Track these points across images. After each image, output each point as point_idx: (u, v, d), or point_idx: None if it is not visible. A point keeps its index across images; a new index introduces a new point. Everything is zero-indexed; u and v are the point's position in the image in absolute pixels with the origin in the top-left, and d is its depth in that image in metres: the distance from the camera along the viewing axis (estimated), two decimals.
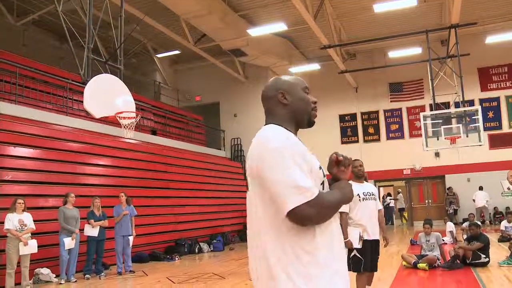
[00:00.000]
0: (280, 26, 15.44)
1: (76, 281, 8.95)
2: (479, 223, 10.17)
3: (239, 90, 20.87)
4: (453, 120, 15.20)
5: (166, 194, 14.32)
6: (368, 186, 5.47)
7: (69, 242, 8.88)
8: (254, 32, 15.83)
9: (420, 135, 15.71)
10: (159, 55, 20.42)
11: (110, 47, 16.04)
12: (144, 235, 12.16)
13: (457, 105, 15.99)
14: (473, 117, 14.61)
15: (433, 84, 15.51)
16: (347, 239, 5.15)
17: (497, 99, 19.62)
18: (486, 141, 17.43)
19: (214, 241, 14.68)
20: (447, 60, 16.38)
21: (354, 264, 5.21)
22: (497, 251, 9.87)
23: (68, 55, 11.12)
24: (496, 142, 19.10)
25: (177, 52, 19.63)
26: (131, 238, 10.07)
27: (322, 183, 1.77)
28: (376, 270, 5.49)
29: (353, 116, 21.64)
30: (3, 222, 8.05)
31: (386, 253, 10.32)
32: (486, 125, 18.05)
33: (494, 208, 18.49)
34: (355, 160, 5.42)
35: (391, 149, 20.61)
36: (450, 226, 12.41)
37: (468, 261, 8.49)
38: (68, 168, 11.11)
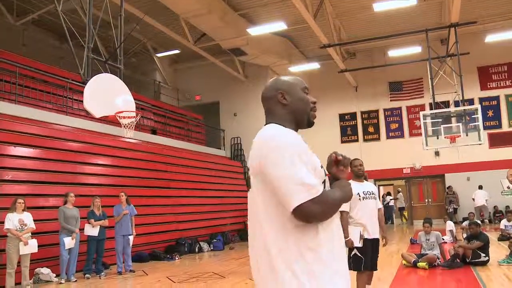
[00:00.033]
0: (279, 25, 15.44)
1: (76, 280, 8.95)
2: (479, 222, 10.19)
3: (239, 89, 20.87)
4: (453, 119, 15.22)
5: (166, 193, 14.33)
6: (368, 185, 5.48)
7: (69, 242, 8.89)
8: (254, 31, 15.83)
9: (420, 134, 15.73)
10: (159, 55, 20.42)
11: (110, 46, 16.05)
12: (144, 235, 12.16)
13: (457, 104, 16.00)
14: (472, 116, 14.62)
15: (433, 83, 15.51)
16: (348, 238, 5.16)
17: (497, 98, 19.62)
18: (485, 140, 17.44)
19: (214, 240, 14.69)
20: (447, 59, 16.39)
21: (354, 263, 5.22)
22: (497, 250, 9.88)
23: (68, 54, 11.12)
24: (496, 141, 19.10)
25: (177, 51, 19.64)
26: (131, 238, 10.07)
27: (324, 182, 1.78)
28: (376, 269, 5.50)
29: (353, 115, 21.65)
30: (3, 222, 8.05)
31: (386, 252, 10.32)
32: (485, 124, 18.07)
33: (494, 207, 18.51)
34: (355, 159, 5.43)
35: (391, 148, 20.62)
36: (450, 225, 12.42)
37: (468, 260, 8.50)
38: (68, 168, 11.12)
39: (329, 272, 1.67)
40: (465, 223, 12.31)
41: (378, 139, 21.17)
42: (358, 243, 5.20)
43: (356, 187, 5.26)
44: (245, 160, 20.42)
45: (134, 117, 8.90)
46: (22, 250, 7.95)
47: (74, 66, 8.73)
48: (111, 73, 8.78)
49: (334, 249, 1.73)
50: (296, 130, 1.91)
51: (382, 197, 20.86)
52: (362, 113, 21.49)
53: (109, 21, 9.75)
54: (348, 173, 1.88)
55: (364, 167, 5.45)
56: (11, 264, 7.82)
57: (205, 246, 14.19)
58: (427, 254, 8.71)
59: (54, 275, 8.97)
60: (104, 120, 11.71)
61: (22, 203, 8.20)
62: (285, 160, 1.64)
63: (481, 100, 19.36)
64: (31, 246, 8.13)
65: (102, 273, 9.54)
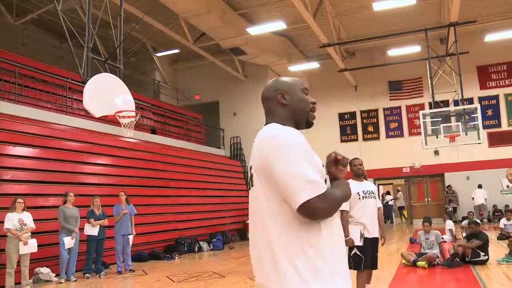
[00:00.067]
0: (279, 25, 15.43)
1: (76, 280, 8.95)
2: (478, 221, 10.19)
3: (239, 89, 20.86)
4: (452, 118, 15.22)
5: (166, 193, 14.33)
6: (368, 185, 5.49)
7: (69, 241, 8.89)
8: (254, 30, 15.83)
9: (420, 133, 15.74)
10: (159, 54, 20.41)
11: (110, 46, 16.04)
12: (144, 234, 12.16)
13: (456, 103, 16.01)
14: (472, 115, 14.64)
15: (432, 82, 15.53)
16: (349, 237, 5.18)
17: (496, 97, 19.64)
18: (485, 139, 17.47)
19: (214, 240, 14.69)
20: (446, 58, 16.40)
21: (354, 262, 5.24)
22: (496, 249, 9.89)
23: (67, 54, 11.13)
24: (495, 140, 19.12)
25: (176, 51, 19.63)
26: (131, 237, 10.07)
27: (325, 181, 1.80)
28: (376, 268, 5.52)
29: (352, 115, 21.66)
30: (3, 222, 8.05)
31: (386, 251, 10.34)
32: (485, 123, 18.11)
33: (494, 206, 18.53)
34: (354, 158, 5.45)
35: (391, 147, 20.63)
36: (449, 224, 12.43)
37: (467, 259, 8.51)
38: (67, 167, 11.12)
39: (330, 269, 1.69)
40: (465, 222, 12.31)
41: (378, 138, 21.18)
42: (358, 242, 5.22)
43: (356, 186, 5.28)
44: (244, 159, 20.42)
45: (133, 116, 8.91)
46: (22, 250, 7.95)
47: (74, 66, 8.73)
48: (110, 73, 8.79)
49: (335, 248, 1.75)
50: None
51: (382, 196, 20.88)
52: (362, 112, 21.51)
53: (109, 21, 9.75)
54: (346, 172, 1.89)
55: (363, 166, 5.46)
56: (11, 264, 7.82)
57: (204, 245, 14.20)
58: (426, 253, 8.73)
59: (54, 274, 8.98)
60: (104, 119, 11.71)
61: (22, 202, 8.20)
62: (290, 158, 1.67)
63: (481, 99, 19.38)
64: (31, 246, 8.13)
65: (102, 273, 9.55)
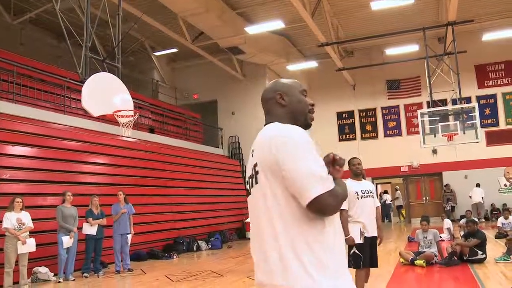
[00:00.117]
0: (277, 24, 15.44)
1: (74, 279, 8.95)
2: (476, 219, 10.22)
3: (237, 88, 20.86)
4: (450, 117, 15.26)
5: (164, 192, 14.34)
6: (366, 184, 5.51)
7: (67, 241, 8.89)
8: (252, 30, 15.82)
9: (418, 132, 15.78)
10: (157, 53, 20.40)
11: (108, 45, 15.99)
12: (142, 233, 12.16)
13: (454, 102, 16.04)
14: (470, 114, 14.68)
15: (430, 82, 15.57)
16: (349, 236, 5.20)
17: (494, 96, 19.69)
18: (483, 138, 17.53)
19: (212, 239, 14.71)
20: (444, 57, 16.42)
21: (353, 260, 5.27)
22: (494, 248, 9.91)
23: (65, 53, 11.12)
24: (493, 139, 19.17)
25: (174, 50, 19.63)
26: (129, 237, 10.08)
27: None
28: (377, 266, 5.56)
29: (350, 114, 21.69)
30: (1, 221, 8.05)
31: (384, 250, 10.35)
32: (483, 122, 18.17)
33: (491, 204, 18.58)
34: (353, 158, 5.48)
35: (389, 146, 20.67)
36: (447, 223, 12.47)
37: (465, 258, 8.54)
38: (66, 167, 11.11)
39: (334, 265, 1.72)
40: (463, 221, 12.36)
41: (376, 137, 21.22)
42: (359, 240, 5.25)
43: (354, 185, 5.30)
44: (243, 158, 20.43)
45: (132, 116, 8.90)
46: (20, 249, 7.95)
47: (72, 65, 8.73)
48: (109, 72, 8.78)
49: (337, 245, 1.79)
50: None
51: (380, 195, 20.90)
52: (360, 111, 21.55)
53: (107, 20, 9.74)
54: (342, 173, 1.92)
55: (362, 165, 5.48)
56: (9, 263, 7.82)
57: (203, 244, 14.22)
58: (424, 252, 8.75)
59: (52, 274, 8.98)
60: (102, 119, 11.70)
61: (20, 202, 8.20)
62: (299, 154, 1.70)
63: (478, 98, 19.42)
64: (29, 245, 8.13)
65: (100, 272, 9.56)
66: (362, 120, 21.49)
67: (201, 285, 7.92)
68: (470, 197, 18.02)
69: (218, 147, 20.63)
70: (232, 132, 20.90)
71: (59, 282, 8.74)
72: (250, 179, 1.91)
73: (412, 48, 18.40)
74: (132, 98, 9.09)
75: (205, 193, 16.21)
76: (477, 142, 14.85)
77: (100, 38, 14.75)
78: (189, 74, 21.82)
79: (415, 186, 21.19)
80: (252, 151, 1.92)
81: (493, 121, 19.54)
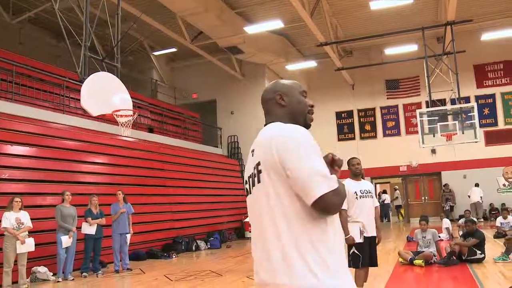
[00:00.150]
0: (276, 24, 15.44)
1: (73, 279, 8.95)
2: (474, 219, 10.23)
3: (236, 87, 20.86)
4: (449, 117, 15.26)
5: (163, 191, 14.34)
6: (365, 184, 5.52)
7: (66, 240, 8.88)
8: (251, 29, 15.82)
9: (417, 132, 15.78)
10: (156, 53, 20.39)
11: (107, 45, 15.98)
12: (141, 233, 12.16)
13: (453, 102, 16.06)
14: (469, 114, 14.69)
15: (429, 81, 15.58)
16: (349, 235, 5.21)
17: (493, 95, 19.71)
18: (482, 138, 17.56)
19: (211, 238, 14.72)
20: (443, 57, 16.43)
21: (353, 260, 5.28)
22: (492, 247, 9.93)
23: (64, 53, 11.11)
24: (492, 138, 19.19)
25: (173, 49, 19.62)
26: (128, 236, 10.08)
27: None
28: (376, 265, 5.58)
29: (349, 113, 21.70)
30: (0, 221, 8.04)
31: (383, 250, 10.37)
32: (481, 121, 18.18)
33: (490, 204, 18.60)
34: (352, 158, 5.49)
35: (388, 146, 20.68)
36: (446, 222, 12.49)
37: (464, 258, 8.55)
38: (65, 166, 11.11)
39: (337, 264, 1.73)
40: (461, 221, 12.38)
41: (375, 137, 21.23)
42: (359, 239, 5.26)
43: (354, 185, 5.32)
44: (242, 158, 20.43)
45: (131, 115, 8.90)
46: (19, 249, 7.96)
47: (71, 65, 8.73)
48: (108, 72, 8.78)
49: (338, 244, 1.80)
50: None
51: (378, 195, 20.92)
52: (359, 111, 21.56)
53: (106, 20, 9.74)
54: (340, 173, 1.93)
55: (361, 165, 5.49)
56: (8, 263, 7.82)
57: (202, 244, 14.22)
58: (423, 251, 8.76)
59: (51, 273, 8.97)
60: (101, 118, 11.70)
61: (19, 201, 8.20)
62: (304, 153, 1.72)
63: (477, 98, 19.42)
64: (28, 245, 8.13)
65: (99, 272, 9.55)
66: (361, 120, 21.50)
67: (200, 285, 7.93)
68: (469, 196, 18.05)
69: (217, 147, 20.64)
70: (231, 131, 20.91)
71: (58, 281, 8.74)
72: (250, 179, 1.92)
73: (411, 48, 18.41)
74: (131, 97, 9.10)
75: (204, 192, 16.22)
76: (476, 142, 14.88)
77: (99, 38, 14.77)
78: (188, 73, 21.82)
79: (414, 186, 21.21)
80: (253, 150, 1.93)
81: (492, 121, 19.56)
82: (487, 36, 17.63)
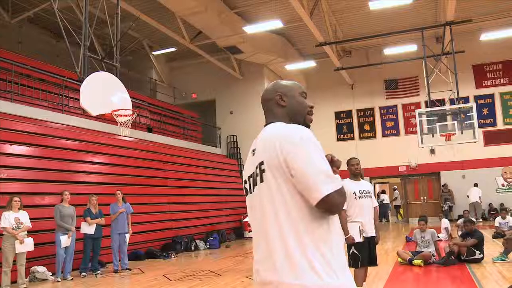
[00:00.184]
0: (276, 24, 15.43)
1: (72, 279, 8.95)
2: (473, 219, 10.25)
3: (235, 87, 20.86)
4: (448, 117, 15.28)
5: (162, 191, 14.33)
6: (364, 184, 5.53)
7: (65, 240, 8.87)
8: (250, 29, 15.82)
9: (416, 132, 15.79)
10: (155, 53, 20.38)
11: (106, 44, 15.99)
12: (140, 233, 12.15)
13: (452, 102, 16.08)
14: (468, 114, 14.71)
15: (429, 81, 15.59)
16: (349, 235, 5.23)
17: (492, 96, 19.73)
18: (480, 138, 17.57)
19: (210, 238, 14.72)
20: (442, 57, 16.45)
21: (352, 260, 5.30)
22: (491, 247, 9.95)
23: (64, 52, 11.09)
24: (491, 138, 19.21)
25: (173, 49, 19.60)
26: (127, 236, 10.07)
27: None
28: (376, 264, 5.59)
29: (348, 113, 21.71)
30: None
31: (382, 250, 10.38)
32: (480, 122, 18.20)
33: (489, 204, 18.62)
34: (352, 158, 5.50)
35: (387, 146, 20.69)
36: (445, 222, 12.50)
37: (462, 258, 8.56)
38: (64, 166, 11.10)
39: (338, 263, 1.74)
40: (460, 221, 12.39)
41: (374, 137, 21.24)
42: (359, 238, 5.28)
43: (353, 186, 5.33)
44: (241, 158, 20.44)
45: (130, 115, 8.90)
46: (18, 249, 7.95)
47: (70, 64, 8.72)
48: (107, 71, 8.78)
49: (339, 243, 1.81)
50: None
51: (377, 195, 20.93)
52: (358, 111, 21.57)
53: (105, 19, 9.74)
54: (338, 173, 1.94)
55: (361, 165, 5.50)
56: (7, 263, 7.82)
57: (201, 244, 14.22)
58: (422, 251, 8.77)
59: (50, 273, 8.96)
60: (101, 118, 11.70)
61: (18, 201, 8.20)
62: (309, 153, 1.73)
63: (476, 98, 19.45)
64: (27, 245, 8.12)
65: (98, 271, 9.54)
66: (360, 120, 21.51)
67: (199, 285, 7.93)
68: (468, 196, 18.07)
69: (216, 147, 20.64)
70: (230, 131, 20.91)
71: (57, 281, 8.74)
72: (251, 178, 1.92)
73: (410, 48, 18.42)
74: (130, 97, 9.09)
75: (203, 192, 16.22)
76: (474, 142, 14.90)
77: (98, 37, 14.80)
78: (187, 73, 21.81)
79: (413, 186, 21.23)
80: (253, 150, 1.93)
81: (490, 121, 19.58)
82: (486, 36, 17.64)
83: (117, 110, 8.56)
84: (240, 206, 17.36)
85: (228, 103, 21.07)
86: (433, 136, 15.02)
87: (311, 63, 19.88)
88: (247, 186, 1.97)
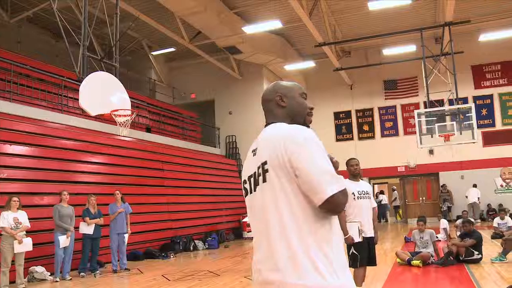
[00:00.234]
0: (275, 24, 15.44)
1: (71, 279, 8.95)
2: (472, 220, 10.26)
3: (234, 87, 20.86)
4: (447, 118, 15.31)
5: (161, 191, 14.33)
6: (363, 185, 5.54)
7: (64, 240, 8.87)
8: (249, 29, 15.82)
9: (414, 133, 15.80)
10: (154, 53, 20.37)
11: (105, 44, 15.98)
12: (139, 233, 12.15)
13: (451, 102, 16.11)
14: (466, 115, 14.71)
15: (427, 82, 15.60)
16: (348, 235, 5.23)
17: (491, 96, 19.75)
18: (479, 139, 17.57)
19: (209, 238, 14.72)
20: (441, 58, 16.46)
21: (351, 260, 5.31)
22: (490, 248, 9.96)
23: (63, 52, 11.07)
24: (490, 139, 19.23)
25: (172, 49, 19.60)
26: (126, 236, 10.07)
27: None
28: (375, 264, 5.61)
29: (347, 114, 21.72)
30: None
31: (381, 250, 10.38)
32: (479, 122, 18.21)
33: (488, 205, 18.64)
34: (351, 159, 5.51)
35: (386, 146, 20.70)
36: (443, 223, 12.50)
37: (461, 258, 8.57)
38: (63, 166, 11.09)
39: (340, 263, 1.75)
40: (459, 221, 12.40)
41: (373, 137, 21.25)
42: (358, 238, 5.28)
43: (352, 186, 5.33)
44: (240, 158, 20.44)
45: (129, 115, 8.89)
46: (17, 249, 7.94)
47: (70, 64, 8.71)
48: (106, 71, 8.78)
49: (340, 243, 1.82)
50: None
51: (376, 195, 20.94)
52: (357, 111, 21.58)
53: (105, 19, 9.73)
54: None
55: (360, 166, 5.51)
56: (6, 263, 7.81)
57: (200, 244, 14.22)
58: (421, 252, 8.78)
59: (49, 273, 8.96)
60: (100, 118, 11.68)
61: (17, 201, 8.19)
62: (313, 154, 1.74)
63: (475, 98, 19.48)
64: (26, 245, 8.12)
65: (97, 271, 9.54)
66: (359, 120, 21.52)
67: (198, 285, 7.93)
68: (467, 197, 18.09)
69: (215, 147, 20.64)
70: (229, 131, 20.91)
71: (56, 281, 8.73)
72: (252, 178, 1.92)
73: (409, 48, 18.43)
74: (130, 97, 9.08)
75: (202, 192, 16.22)
76: (473, 142, 14.91)
77: (97, 37, 14.79)
78: (187, 73, 21.80)
79: (411, 186, 21.24)
80: (254, 150, 1.93)
81: (489, 121, 19.60)
82: (485, 37, 17.67)
83: (116, 110, 8.56)
84: (239, 206, 17.36)
85: (227, 103, 21.07)
86: (432, 137, 15.03)
87: (310, 64, 19.89)
88: (247, 186, 1.97)
